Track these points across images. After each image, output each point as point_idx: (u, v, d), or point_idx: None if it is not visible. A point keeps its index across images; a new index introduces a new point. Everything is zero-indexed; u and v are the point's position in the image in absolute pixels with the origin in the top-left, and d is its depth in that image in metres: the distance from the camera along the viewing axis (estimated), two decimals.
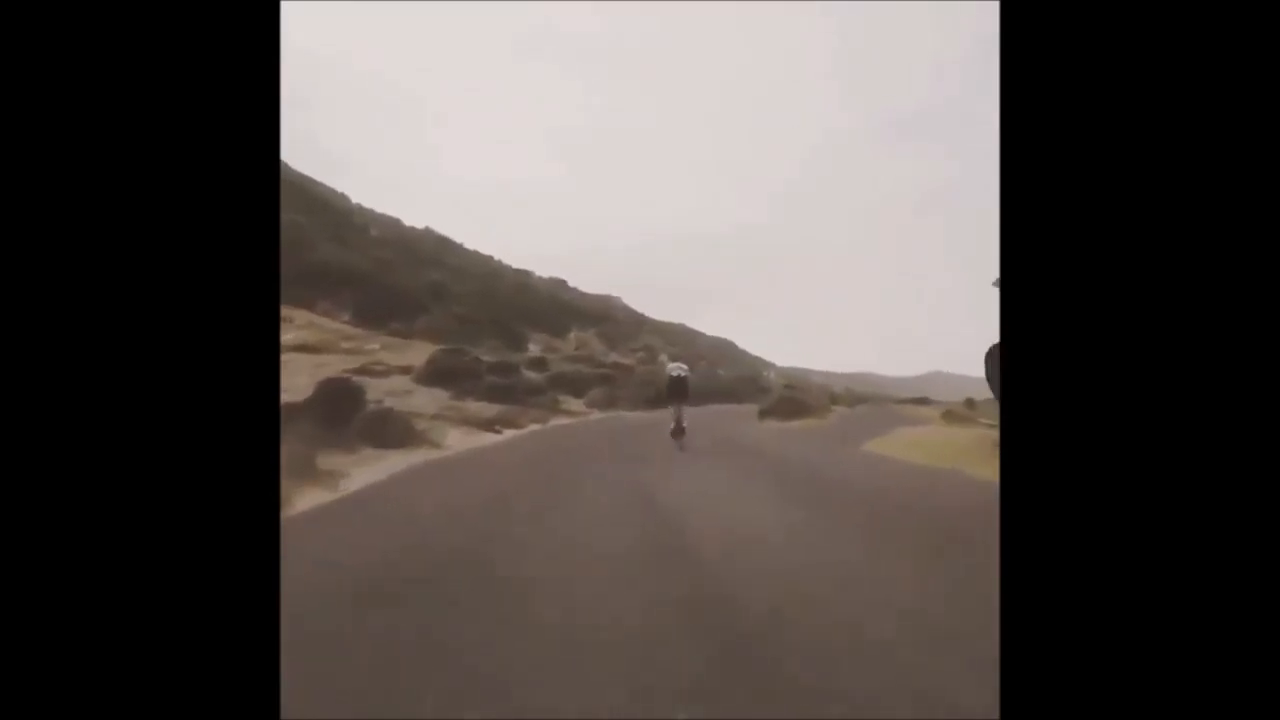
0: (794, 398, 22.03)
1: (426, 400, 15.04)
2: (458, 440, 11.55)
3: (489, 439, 12.40)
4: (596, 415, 20.42)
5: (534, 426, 15.13)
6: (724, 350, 68.18)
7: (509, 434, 13.38)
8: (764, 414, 20.15)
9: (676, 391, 12.53)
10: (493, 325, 36.73)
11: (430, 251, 47.87)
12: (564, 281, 62.26)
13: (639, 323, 61.50)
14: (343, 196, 51.11)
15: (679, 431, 12.09)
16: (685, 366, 13.67)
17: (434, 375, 17.05)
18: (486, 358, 20.56)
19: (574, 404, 21.64)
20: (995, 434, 10.84)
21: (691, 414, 12.61)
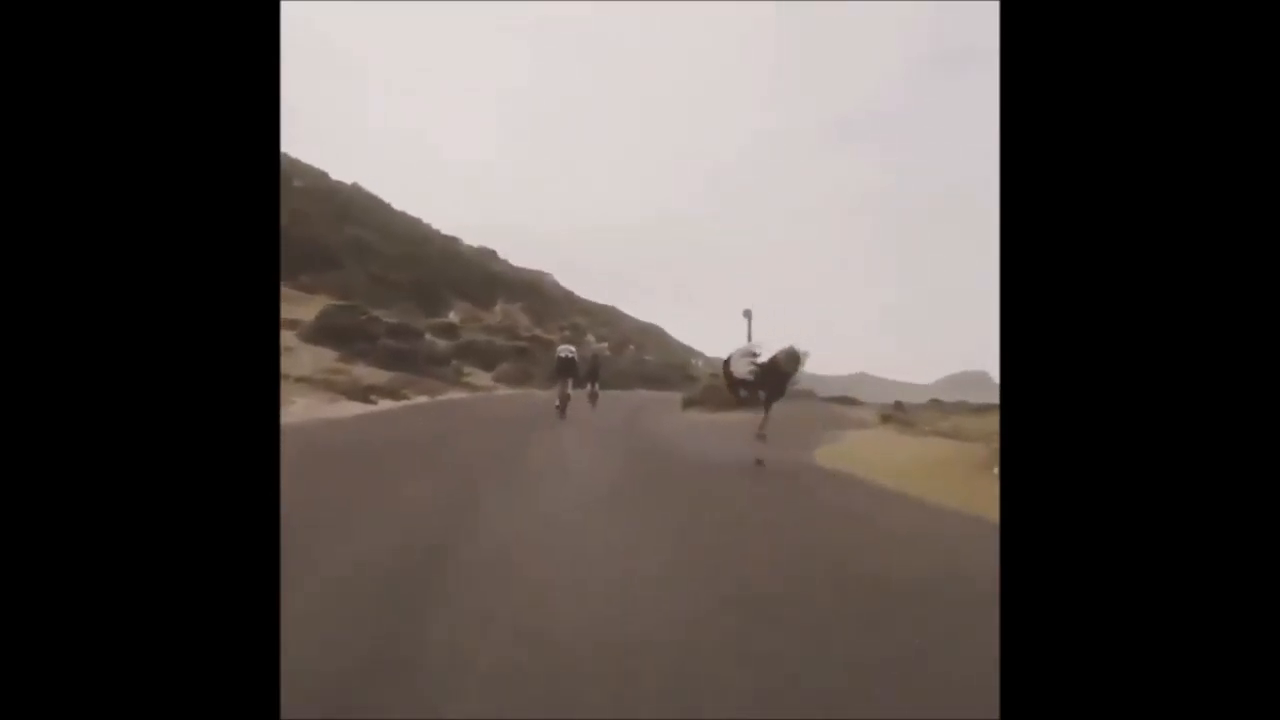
0: (722, 387, 20.18)
1: (307, 359, 13.54)
2: (305, 410, 9.89)
3: (351, 410, 10.85)
4: (503, 391, 19.13)
5: (420, 399, 13.73)
6: (652, 335, 67.48)
7: (384, 406, 11.99)
8: (689, 403, 18.26)
9: (564, 371, 13.39)
10: (413, 288, 34.96)
11: (355, 208, 45.25)
12: (494, 252, 60.32)
13: (569, 301, 60.36)
14: None
15: (563, 409, 13.10)
16: (573, 349, 14.38)
17: (322, 333, 15.50)
18: (389, 319, 18.98)
19: (481, 377, 20.36)
20: (961, 447, 9.82)
21: (609, 399, 12.98)
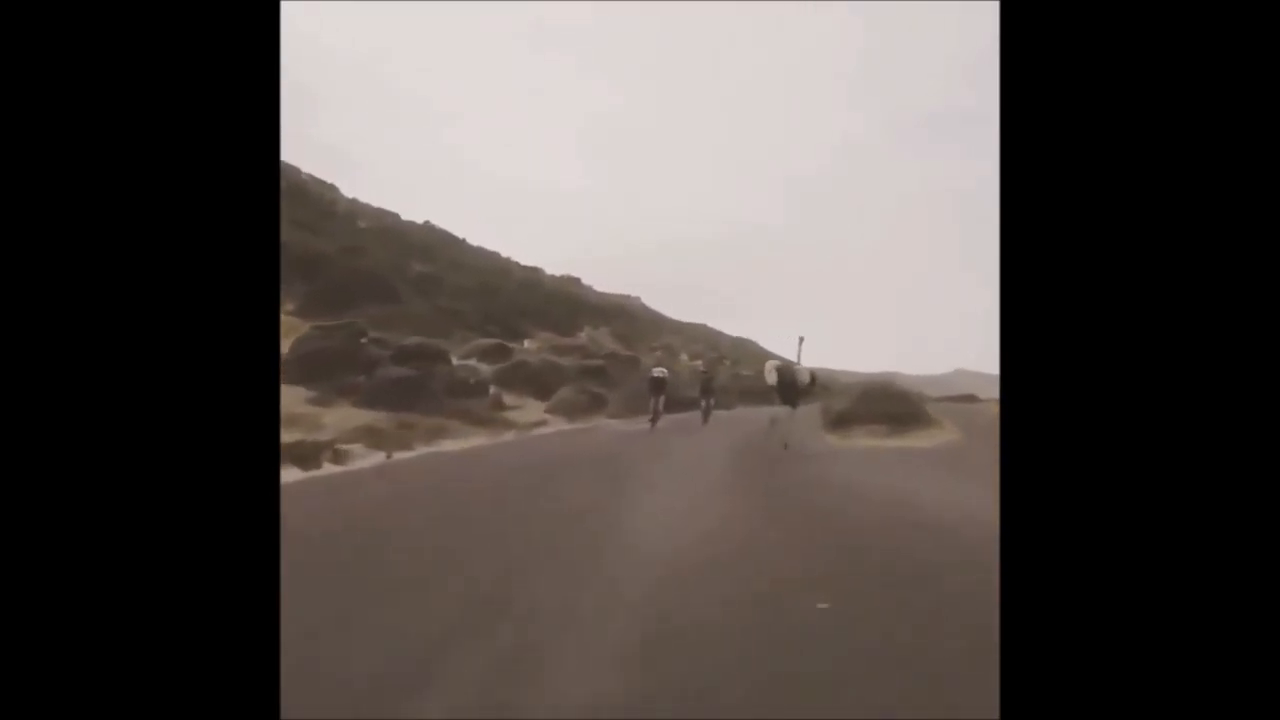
0: (876, 397, 13.54)
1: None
2: None
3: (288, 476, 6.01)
4: (556, 427, 13.87)
5: (409, 453, 8.43)
6: (747, 350, 62.04)
7: (330, 471, 6.81)
8: (836, 422, 12.85)
9: (656, 389, 15.16)
10: (482, 318, 31.06)
11: (424, 245, 42.10)
12: (578, 280, 56.37)
13: (658, 323, 56.02)
14: (330, 187, 45.52)
15: (654, 423, 14.58)
16: (665, 369, 16.63)
17: (296, 366, 10.70)
18: (409, 342, 13.96)
19: (531, 408, 15.15)
20: None
21: (720, 420, 12.98)
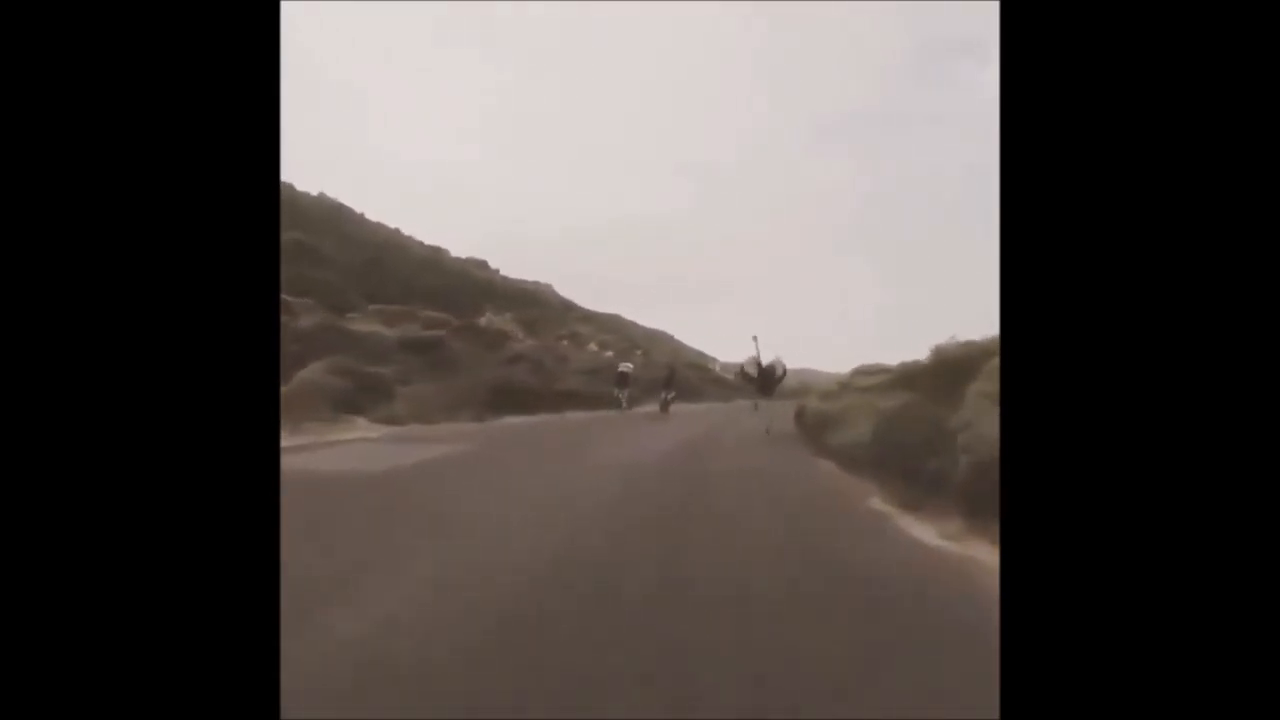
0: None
1: None
2: None
3: None
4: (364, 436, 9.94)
5: None
6: (660, 342, 59.97)
7: None
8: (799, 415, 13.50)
9: (621, 382, 18.10)
10: (367, 297, 27.35)
11: (309, 215, 37.56)
12: (485, 262, 52.66)
13: (569, 310, 53.03)
14: None
15: (621, 405, 17.63)
16: (631, 364, 20.17)
17: None
18: None
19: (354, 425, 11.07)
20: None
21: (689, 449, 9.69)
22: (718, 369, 48.52)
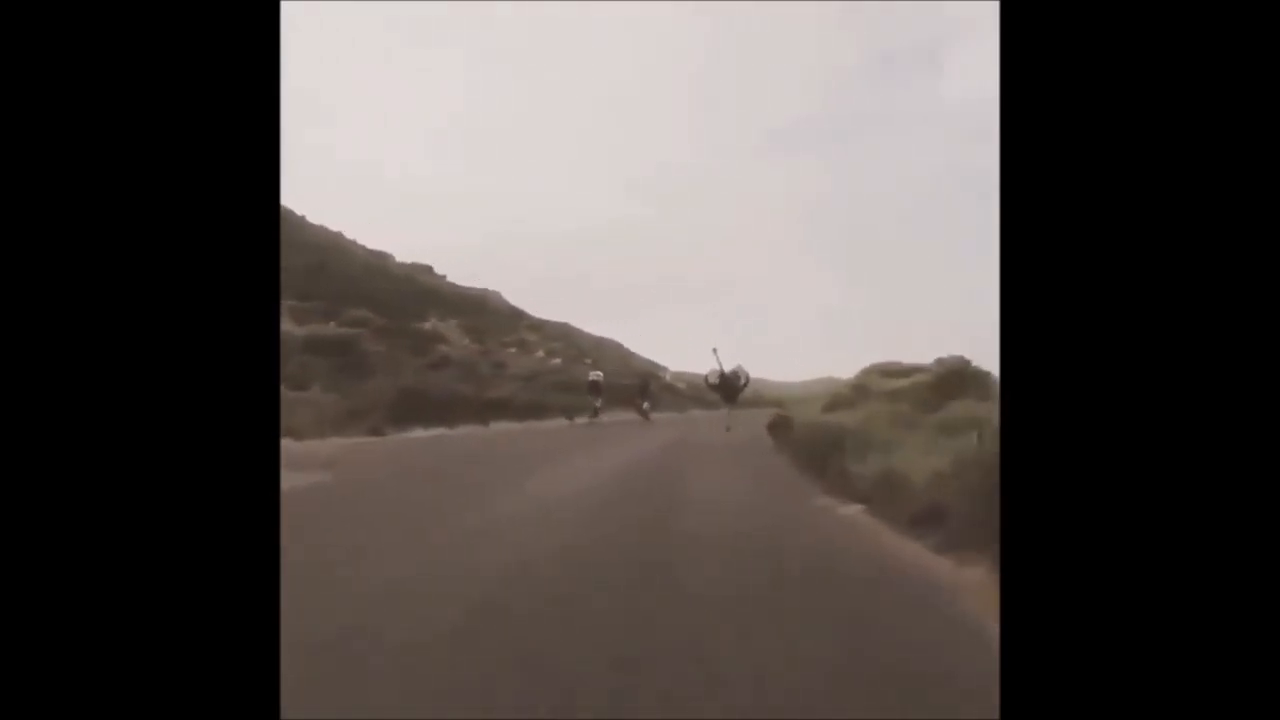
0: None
1: None
2: None
3: None
4: None
5: None
6: (608, 350, 59.85)
7: None
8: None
9: (594, 390, 18.47)
10: (300, 299, 26.62)
11: None
12: (430, 268, 51.78)
13: (517, 318, 52.50)
14: None
15: (593, 416, 17.91)
16: (601, 373, 19.84)
17: None
18: None
19: None
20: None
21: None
22: (668, 378, 48.78)
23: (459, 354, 24.29)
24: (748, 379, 16.53)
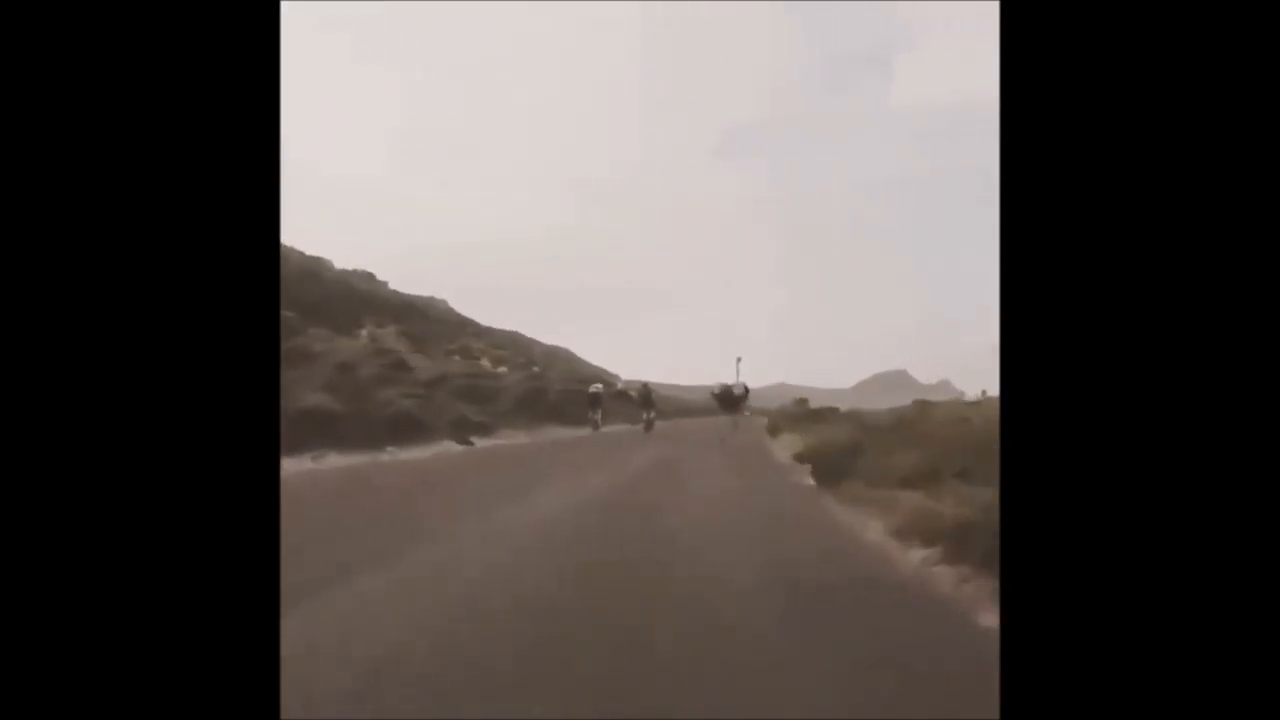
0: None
1: None
2: None
3: None
4: None
5: None
6: (559, 359, 58.64)
7: None
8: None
9: (593, 403, 19.05)
10: None
11: None
12: (371, 275, 49.90)
13: (463, 326, 50.89)
14: None
15: (595, 425, 18.48)
16: (601, 385, 20.72)
17: None
18: None
19: None
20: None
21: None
22: (619, 386, 47.89)
23: (356, 356, 21.91)
24: (746, 390, 18.35)
